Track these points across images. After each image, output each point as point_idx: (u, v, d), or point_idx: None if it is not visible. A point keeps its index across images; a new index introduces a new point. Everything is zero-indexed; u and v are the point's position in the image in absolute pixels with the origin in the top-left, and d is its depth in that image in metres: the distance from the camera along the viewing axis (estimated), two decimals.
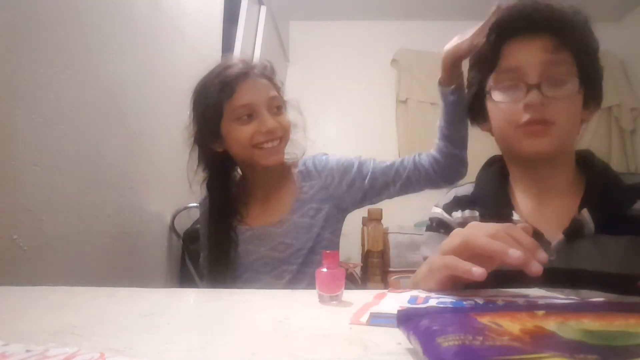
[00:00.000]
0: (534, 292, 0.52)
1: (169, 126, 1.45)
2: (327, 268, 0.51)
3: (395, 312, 0.44)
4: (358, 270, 2.54)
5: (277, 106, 1.01)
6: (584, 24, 0.73)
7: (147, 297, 0.61)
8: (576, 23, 0.73)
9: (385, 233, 2.05)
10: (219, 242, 1.06)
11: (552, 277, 0.56)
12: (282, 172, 1.08)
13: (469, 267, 0.46)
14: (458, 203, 0.83)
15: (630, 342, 0.29)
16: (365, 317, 0.43)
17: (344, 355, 0.34)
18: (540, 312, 0.34)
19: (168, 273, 1.52)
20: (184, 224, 1.58)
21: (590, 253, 0.67)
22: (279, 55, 3.36)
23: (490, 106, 0.77)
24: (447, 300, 0.47)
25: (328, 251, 0.53)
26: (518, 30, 0.72)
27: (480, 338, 0.28)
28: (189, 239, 1.56)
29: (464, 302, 0.46)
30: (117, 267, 1.18)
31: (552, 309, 0.35)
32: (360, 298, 0.52)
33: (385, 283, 1.91)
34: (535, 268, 0.45)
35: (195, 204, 1.50)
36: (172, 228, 1.54)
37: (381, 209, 1.97)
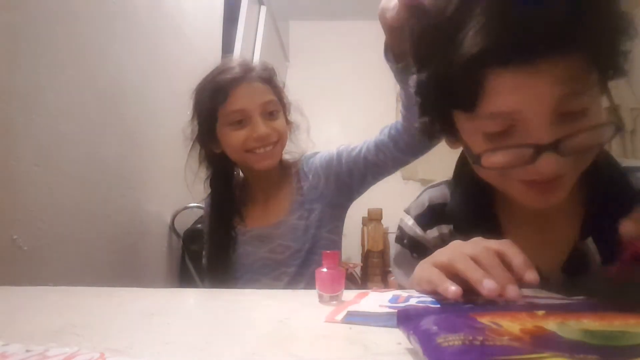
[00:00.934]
0: (526, 292, 0.51)
1: (168, 126, 1.45)
2: (327, 268, 0.51)
3: (372, 310, 0.44)
4: (358, 270, 2.55)
5: (272, 111, 0.99)
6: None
7: (147, 297, 0.61)
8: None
9: (385, 233, 2.05)
10: (219, 239, 1.06)
11: None
12: (282, 173, 1.08)
13: (447, 285, 0.44)
14: (432, 215, 0.69)
15: (630, 342, 0.29)
16: (340, 316, 0.43)
17: (344, 355, 0.34)
18: (540, 312, 0.34)
19: (168, 273, 1.52)
20: (184, 224, 1.58)
21: (596, 292, 0.48)
22: (279, 55, 3.36)
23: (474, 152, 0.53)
24: (427, 299, 0.48)
25: (328, 251, 0.53)
26: (513, 56, 0.44)
27: (481, 338, 0.28)
28: (189, 239, 1.56)
29: (443, 301, 0.46)
30: (117, 267, 1.18)
31: (552, 309, 0.35)
32: None
33: (385, 283, 1.91)
34: (512, 294, 0.40)
35: (195, 204, 1.51)
36: (172, 228, 1.54)
37: (381, 209, 1.97)
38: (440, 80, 0.49)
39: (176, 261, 1.59)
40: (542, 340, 0.29)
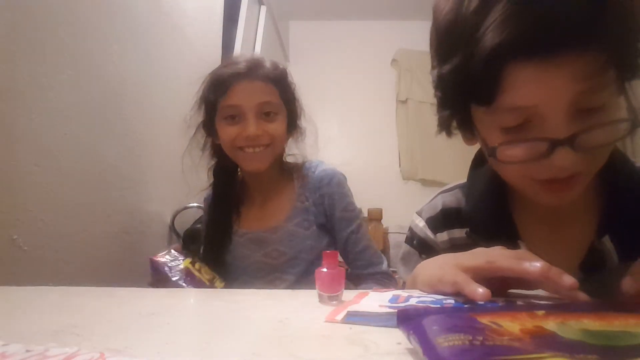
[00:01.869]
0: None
1: (168, 126, 1.45)
2: (327, 268, 0.51)
3: (372, 310, 0.44)
4: None
5: (268, 112, 0.98)
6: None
7: (147, 297, 0.61)
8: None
9: (385, 233, 2.05)
10: (216, 231, 1.07)
11: None
12: (282, 177, 1.07)
13: (474, 287, 0.43)
14: (445, 219, 0.69)
15: (630, 342, 0.29)
16: (340, 316, 0.43)
17: (344, 355, 0.34)
18: (540, 312, 0.34)
19: None
20: (184, 223, 1.58)
21: (613, 289, 0.48)
22: (279, 56, 3.36)
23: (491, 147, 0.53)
24: (427, 299, 0.48)
25: (328, 251, 0.53)
26: (534, 50, 0.44)
27: (481, 338, 0.28)
28: (189, 238, 1.55)
29: (444, 301, 0.46)
30: (117, 267, 1.18)
31: (552, 309, 0.35)
32: None
33: None
34: (567, 281, 0.39)
35: (195, 204, 1.51)
36: (172, 228, 1.54)
37: (381, 209, 1.97)
38: (461, 73, 0.49)
39: None
40: (542, 340, 0.29)
